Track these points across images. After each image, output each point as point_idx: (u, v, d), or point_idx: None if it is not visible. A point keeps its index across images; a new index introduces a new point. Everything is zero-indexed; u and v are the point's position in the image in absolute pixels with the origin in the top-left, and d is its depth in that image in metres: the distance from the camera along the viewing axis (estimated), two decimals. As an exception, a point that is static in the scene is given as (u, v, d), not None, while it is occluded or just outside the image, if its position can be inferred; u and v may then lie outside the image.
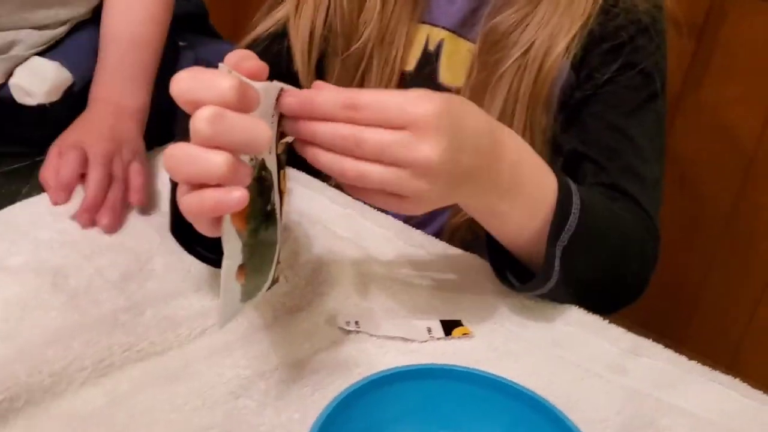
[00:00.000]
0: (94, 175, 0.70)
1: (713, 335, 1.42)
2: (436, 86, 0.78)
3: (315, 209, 0.73)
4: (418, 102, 0.49)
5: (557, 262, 0.60)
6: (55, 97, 0.81)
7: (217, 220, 0.47)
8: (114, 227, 0.69)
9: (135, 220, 0.71)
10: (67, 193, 0.70)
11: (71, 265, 0.63)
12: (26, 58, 0.83)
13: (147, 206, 0.72)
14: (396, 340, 0.60)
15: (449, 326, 0.61)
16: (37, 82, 0.81)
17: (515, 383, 0.50)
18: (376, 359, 0.58)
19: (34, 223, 0.68)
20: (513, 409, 0.49)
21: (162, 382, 0.54)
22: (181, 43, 0.95)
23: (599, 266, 0.65)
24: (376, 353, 0.58)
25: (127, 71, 0.83)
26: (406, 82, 0.79)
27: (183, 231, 0.59)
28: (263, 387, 0.54)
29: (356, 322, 0.60)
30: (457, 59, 0.77)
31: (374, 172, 0.49)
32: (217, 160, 0.43)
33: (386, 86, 0.79)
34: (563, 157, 0.76)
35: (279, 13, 0.79)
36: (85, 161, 0.71)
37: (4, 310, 0.58)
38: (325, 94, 0.49)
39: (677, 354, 0.62)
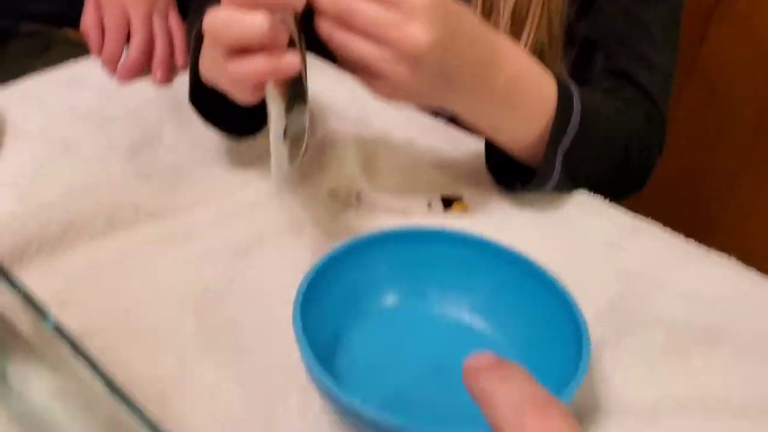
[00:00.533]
0: (137, 39, 0.75)
1: (738, 245, 1.41)
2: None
3: (323, 88, 0.74)
4: None
5: (558, 165, 0.60)
6: None
7: (260, 86, 0.48)
8: (169, 78, 0.75)
9: (146, 92, 0.73)
10: (115, 64, 0.75)
11: (83, 134, 0.65)
12: None
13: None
14: (395, 214, 0.61)
15: (449, 202, 0.62)
16: None
17: (505, 246, 0.51)
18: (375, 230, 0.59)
19: (48, 95, 0.70)
20: (502, 271, 0.50)
21: (169, 242, 0.56)
22: None
23: (603, 164, 0.64)
24: (375, 225, 0.59)
25: None
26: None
27: (201, 100, 0.60)
28: (265, 249, 0.56)
29: (357, 195, 0.62)
30: None
31: (360, 44, 0.49)
32: (258, 21, 0.44)
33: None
34: (577, 47, 0.75)
35: None
36: (127, 23, 0.76)
37: (17, 174, 0.60)
38: None
39: (676, 235, 0.62)
